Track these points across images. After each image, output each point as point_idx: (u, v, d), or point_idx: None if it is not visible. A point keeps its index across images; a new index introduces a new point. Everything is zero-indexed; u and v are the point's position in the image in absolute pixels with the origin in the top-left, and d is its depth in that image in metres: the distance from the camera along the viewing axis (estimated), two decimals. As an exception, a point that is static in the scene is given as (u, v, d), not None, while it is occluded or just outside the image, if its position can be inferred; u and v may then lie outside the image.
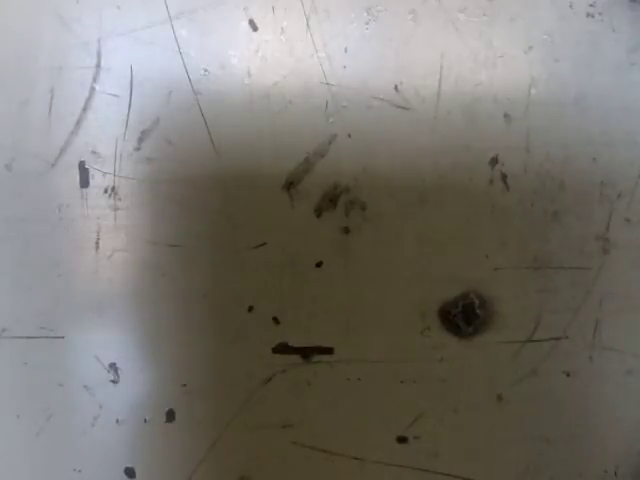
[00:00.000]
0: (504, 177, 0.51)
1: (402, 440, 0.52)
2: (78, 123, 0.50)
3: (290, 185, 0.50)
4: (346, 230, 0.51)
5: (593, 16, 0.51)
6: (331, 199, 0.50)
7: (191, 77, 0.50)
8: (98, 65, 0.50)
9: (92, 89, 0.50)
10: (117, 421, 0.51)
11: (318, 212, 0.51)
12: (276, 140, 0.50)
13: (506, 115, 0.51)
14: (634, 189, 0.52)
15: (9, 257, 0.50)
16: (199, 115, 0.50)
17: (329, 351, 0.51)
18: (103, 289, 0.50)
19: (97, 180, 0.50)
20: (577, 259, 0.51)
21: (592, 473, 0.52)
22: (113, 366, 0.50)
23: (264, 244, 0.50)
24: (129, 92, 0.50)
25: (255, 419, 0.51)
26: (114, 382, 0.51)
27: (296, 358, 0.51)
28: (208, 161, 0.50)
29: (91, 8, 0.49)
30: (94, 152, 0.50)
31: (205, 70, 0.50)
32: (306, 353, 0.51)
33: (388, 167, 0.50)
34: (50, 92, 0.49)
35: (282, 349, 0.51)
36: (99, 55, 0.50)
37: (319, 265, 0.51)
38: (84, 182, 0.50)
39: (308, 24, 0.50)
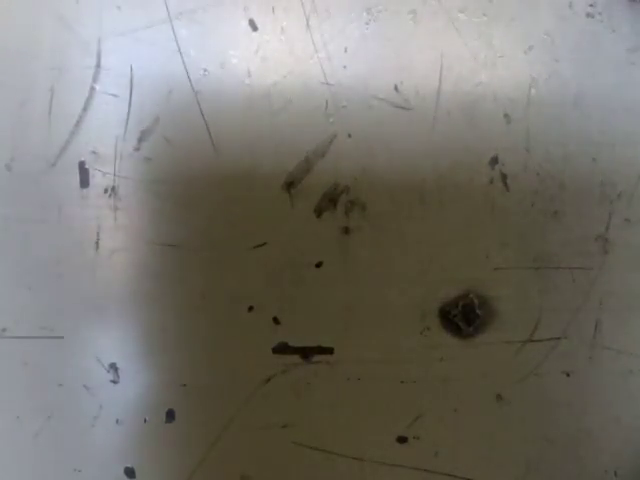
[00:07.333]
0: (504, 177, 0.51)
1: (402, 440, 0.52)
2: (78, 123, 0.50)
3: (290, 185, 0.50)
4: (346, 230, 0.51)
5: (593, 16, 0.51)
6: (331, 199, 0.50)
7: (191, 77, 0.50)
8: (98, 65, 0.50)
9: (92, 89, 0.50)
10: (117, 421, 0.51)
11: (318, 212, 0.51)
12: (276, 140, 0.50)
13: (506, 115, 0.51)
14: (634, 189, 0.52)
15: (9, 257, 0.50)
16: (199, 115, 0.50)
17: (329, 351, 0.51)
18: (103, 289, 0.50)
19: (97, 180, 0.50)
20: (577, 259, 0.51)
21: (592, 473, 0.52)
22: (113, 366, 0.50)
23: (264, 244, 0.50)
24: (129, 92, 0.50)
25: (255, 419, 0.51)
26: (114, 382, 0.51)
27: (296, 358, 0.51)
28: (208, 161, 0.50)
29: (91, 8, 0.49)
30: (94, 152, 0.50)
31: (205, 70, 0.50)
32: (306, 353, 0.51)
33: (388, 167, 0.50)
34: (50, 92, 0.49)
35: (282, 349, 0.51)
36: (99, 55, 0.50)
37: (319, 265, 0.51)
38: (84, 182, 0.50)
39: (308, 24, 0.50)
